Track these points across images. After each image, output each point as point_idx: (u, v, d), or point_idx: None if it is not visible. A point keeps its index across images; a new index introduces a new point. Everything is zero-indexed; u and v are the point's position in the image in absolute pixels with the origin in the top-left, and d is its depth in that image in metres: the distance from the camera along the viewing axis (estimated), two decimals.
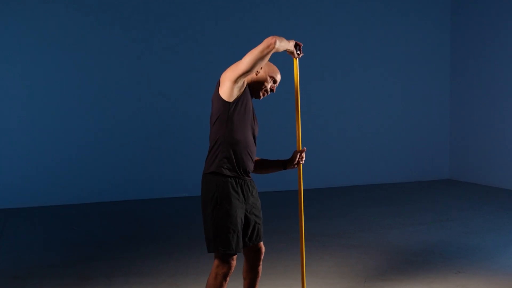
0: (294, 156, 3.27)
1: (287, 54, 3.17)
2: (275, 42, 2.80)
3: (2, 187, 7.25)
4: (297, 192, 8.24)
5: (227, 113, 2.88)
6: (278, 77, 3.10)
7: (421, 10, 9.33)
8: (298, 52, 3.16)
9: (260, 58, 2.80)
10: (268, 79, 3.05)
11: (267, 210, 6.93)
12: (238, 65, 2.85)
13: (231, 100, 2.89)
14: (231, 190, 2.88)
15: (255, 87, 3.04)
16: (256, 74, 3.04)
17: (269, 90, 3.08)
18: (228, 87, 2.88)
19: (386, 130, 9.23)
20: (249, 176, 3.03)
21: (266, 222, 6.21)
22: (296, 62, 3.26)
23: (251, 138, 3.02)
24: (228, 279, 2.89)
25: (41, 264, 4.74)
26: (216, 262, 2.89)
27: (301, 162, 3.28)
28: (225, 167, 2.90)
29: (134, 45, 7.80)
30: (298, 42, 3.14)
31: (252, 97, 3.06)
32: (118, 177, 7.76)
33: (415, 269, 4.47)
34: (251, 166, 3.03)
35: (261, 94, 3.08)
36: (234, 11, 8.25)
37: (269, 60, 3.02)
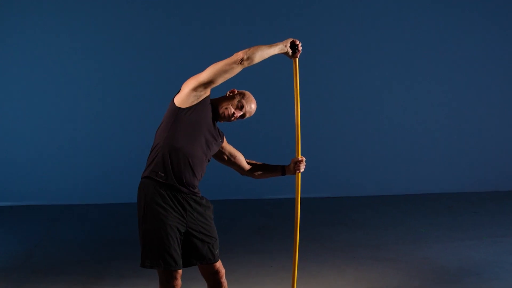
0: (291, 165, 3.10)
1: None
2: (244, 59, 2.64)
3: (59, 184, 7.60)
4: (347, 198, 7.83)
5: (175, 117, 2.73)
6: (248, 108, 2.85)
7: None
8: (296, 51, 2.90)
9: (224, 71, 2.66)
10: (236, 102, 2.84)
11: (314, 217, 6.65)
12: (201, 73, 2.73)
13: (183, 106, 2.73)
14: (161, 201, 2.69)
15: (220, 105, 2.84)
16: (227, 95, 2.89)
17: (230, 113, 2.82)
18: (185, 94, 2.73)
19: (455, 131, 8.41)
20: (191, 190, 2.78)
21: (311, 229, 5.91)
22: (294, 63, 3.02)
23: (199, 153, 2.77)
24: None
25: (66, 260, 4.88)
26: (159, 282, 2.75)
27: (298, 171, 3.06)
28: (159, 172, 2.72)
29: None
30: (295, 40, 2.88)
31: (215, 118, 2.86)
32: None
33: None
34: (190, 178, 2.75)
35: (221, 111, 2.83)
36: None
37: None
